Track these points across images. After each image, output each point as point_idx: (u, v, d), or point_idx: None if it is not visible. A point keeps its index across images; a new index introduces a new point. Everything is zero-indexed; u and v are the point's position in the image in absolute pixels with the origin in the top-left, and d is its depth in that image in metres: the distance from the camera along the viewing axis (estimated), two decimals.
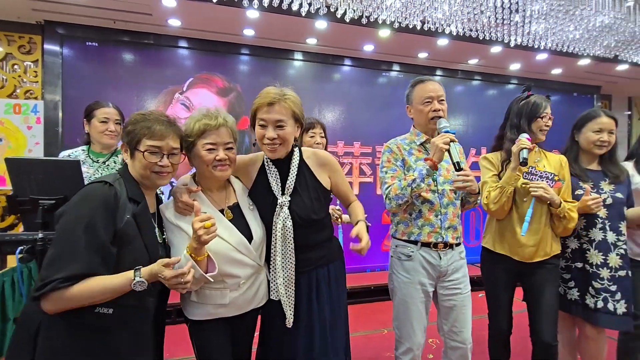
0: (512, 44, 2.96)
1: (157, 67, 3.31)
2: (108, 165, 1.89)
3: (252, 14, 2.84)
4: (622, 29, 2.78)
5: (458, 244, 1.66)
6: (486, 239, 1.83)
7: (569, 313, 1.81)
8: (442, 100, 1.65)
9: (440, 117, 1.61)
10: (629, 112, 5.64)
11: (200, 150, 1.23)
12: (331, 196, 1.51)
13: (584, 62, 3.92)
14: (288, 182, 1.36)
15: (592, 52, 3.17)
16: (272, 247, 1.34)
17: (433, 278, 1.63)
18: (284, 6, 2.41)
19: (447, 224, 1.61)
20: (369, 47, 3.61)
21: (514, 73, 4.47)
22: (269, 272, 1.36)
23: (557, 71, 4.36)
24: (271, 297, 1.36)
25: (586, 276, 1.72)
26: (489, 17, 2.71)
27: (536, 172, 1.65)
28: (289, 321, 1.33)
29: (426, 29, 2.71)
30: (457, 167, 1.45)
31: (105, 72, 3.18)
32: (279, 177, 1.38)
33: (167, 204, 1.28)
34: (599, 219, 1.72)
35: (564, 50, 3.12)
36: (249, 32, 3.25)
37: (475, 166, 2.96)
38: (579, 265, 1.75)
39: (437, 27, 2.71)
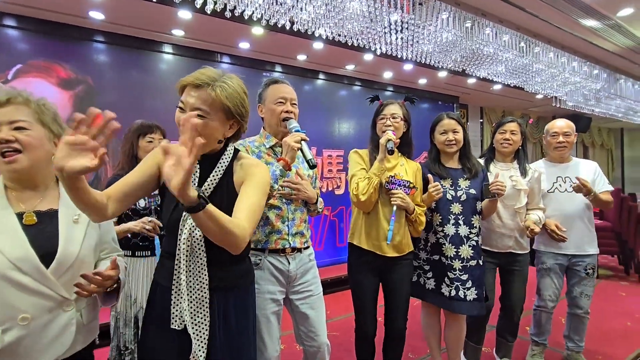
0: (378, 52, 3.14)
1: None
2: None
3: None
4: (463, 46, 3.18)
5: (306, 248, 1.63)
6: (353, 236, 1.86)
7: (427, 301, 1.95)
8: (295, 104, 1.63)
9: (290, 119, 1.57)
10: (481, 120, 6.66)
11: None
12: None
13: (442, 74, 4.45)
14: (207, 183, 1.08)
15: (444, 65, 3.57)
16: (175, 261, 1.06)
17: (283, 285, 1.56)
18: None
19: (294, 229, 1.57)
20: (244, 45, 3.46)
21: (388, 81, 4.84)
22: (172, 293, 1.06)
23: (423, 81, 4.86)
24: (172, 326, 1.06)
25: (442, 268, 1.86)
26: (353, 24, 2.81)
27: (396, 180, 1.76)
28: (197, 358, 1.04)
29: (295, 30, 2.68)
30: (311, 164, 1.41)
31: None
32: (198, 175, 1.10)
33: None
34: (452, 215, 1.88)
35: (422, 62, 3.45)
36: (96, 15, 2.79)
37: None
38: (436, 257, 1.89)
39: (306, 29, 2.70)
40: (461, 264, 1.85)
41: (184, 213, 1.05)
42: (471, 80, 4.81)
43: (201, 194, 0.86)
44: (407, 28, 2.89)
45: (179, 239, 1.06)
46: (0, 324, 0.92)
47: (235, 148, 1.19)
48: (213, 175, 1.10)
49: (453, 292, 1.82)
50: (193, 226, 1.05)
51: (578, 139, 8.72)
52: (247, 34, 3.21)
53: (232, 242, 0.97)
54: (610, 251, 4.65)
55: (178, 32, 3.16)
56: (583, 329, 2.27)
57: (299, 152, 1.45)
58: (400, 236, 1.78)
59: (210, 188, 1.09)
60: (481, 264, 1.90)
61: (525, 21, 3.48)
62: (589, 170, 2.23)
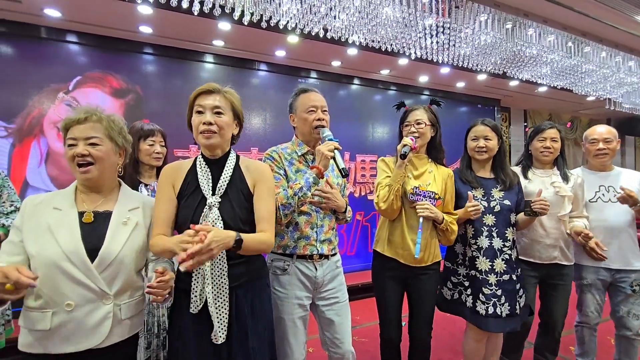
0: (413, 56, 3.10)
1: (37, 63, 2.91)
2: None
3: (144, 9, 2.62)
4: (502, 48, 3.06)
5: (334, 255, 1.65)
6: (378, 243, 1.85)
7: (468, 321, 1.85)
8: (325, 110, 1.66)
9: (323, 127, 1.60)
10: (525, 124, 6.32)
11: (64, 146, 1.16)
12: None
13: (481, 77, 4.29)
14: (220, 182, 1.27)
15: (484, 67, 3.45)
16: None
17: (310, 290, 1.59)
18: (174, 3, 2.24)
19: (322, 236, 1.60)
20: (280, 53, 3.56)
21: (424, 85, 4.75)
22: (192, 284, 1.20)
23: (461, 84, 4.71)
24: (190, 310, 1.21)
25: (477, 283, 1.79)
26: (387, 30, 2.80)
27: (420, 192, 1.73)
28: (217, 336, 1.19)
29: (329, 37, 2.72)
30: (343, 174, 1.45)
31: None
32: (210, 176, 1.28)
33: None
34: (485, 227, 1.81)
35: (460, 65, 3.35)
36: (145, 30, 3.00)
37: None
38: (473, 273, 1.81)
39: (339, 36, 2.74)
40: (496, 279, 1.77)
41: (205, 209, 1.22)
42: (513, 83, 4.59)
43: (236, 237, 1.13)
44: (442, 32, 2.84)
45: None
46: (51, 307, 1.05)
47: (236, 153, 1.38)
48: (225, 174, 1.29)
49: (491, 310, 1.74)
50: (215, 219, 1.20)
51: (637, 144, 8.01)
52: (282, 43, 3.31)
53: (264, 250, 1.29)
54: None
55: (218, 43, 3.31)
56: (635, 352, 2.08)
57: (332, 161, 1.48)
58: (428, 247, 1.75)
59: (223, 186, 1.27)
60: (514, 278, 1.81)
61: (573, 20, 3.28)
62: (634, 179, 2.07)
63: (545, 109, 6.35)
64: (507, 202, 1.83)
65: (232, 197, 1.27)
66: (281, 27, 2.55)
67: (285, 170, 1.60)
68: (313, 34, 2.69)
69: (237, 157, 1.36)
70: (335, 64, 3.88)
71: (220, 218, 1.21)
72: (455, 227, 1.77)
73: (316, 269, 1.58)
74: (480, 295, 1.77)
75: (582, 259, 2.11)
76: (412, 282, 1.79)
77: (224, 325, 1.20)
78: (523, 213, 1.83)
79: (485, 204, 1.83)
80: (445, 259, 1.97)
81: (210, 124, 1.24)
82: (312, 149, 1.64)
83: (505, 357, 2.15)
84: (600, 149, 2.10)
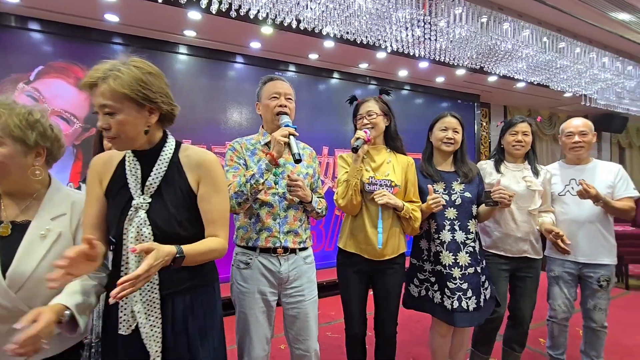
0: (389, 49, 3.07)
1: None
2: None
3: None
4: (478, 42, 3.05)
5: (303, 249, 1.60)
6: (341, 239, 1.82)
7: (436, 317, 1.83)
8: (290, 99, 1.62)
9: (285, 114, 1.57)
10: (504, 120, 6.38)
11: None
12: None
13: (459, 71, 4.29)
14: (150, 179, 1.05)
15: (460, 62, 3.44)
16: (122, 263, 1.04)
17: (274, 286, 1.55)
18: None
19: (286, 228, 1.54)
20: (255, 44, 3.48)
21: (404, 80, 4.73)
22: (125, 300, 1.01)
23: (440, 79, 4.72)
24: (119, 332, 1.02)
25: (442, 278, 1.77)
26: (360, 22, 2.76)
27: (376, 181, 1.70)
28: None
29: (302, 28, 2.66)
30: (296, 159, 1.38)
31: None
32: (140, 172, 1.06)
33: None
34: (447, 221, 1.79)
35: (437, 59, 3.34)
36: (111, 18, 2.88)
37: None
38: (438, 268, 1.79)
39: (313, 27, 2.68)
40: (460, 272, 1.76)
41: (129, 212, 1.02)
42: (492, 78, 4.61)
43: (177, 255, 0.95)
44: (417, 25, 2.81)
45: (124, 238, 1.02)
46: None
47: (176, 140, 1.15)
48: (156, 170, 1.06)
49: (456, 304, 1.72)
50: (140, 224, 1.01)
51: (613, 140, 8.22)
52: (257, 34, 3.23)
53: (215, 257, 1.11)
54: None
55: (190, 33, 3.22)
56: (600, 344, 2.11)
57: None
58: (391, 238, 1.72)
59: (155, 183, 1.05)
60: (479, 271, 1.81)
61: (547, 15, 3.30)
62: (610, 173, 2.05)
63: (524, 105, 6.43)
64: (467, 194, 1.82)
65: (166, 196, 1.05)
66: (252, 16, 2.48)
67: (245, 160, 1.56)
68: (285, 24, 2.63)
69: (177, 147, 1.13)
70: (313, 57, 3.82)
71: (147, 223, 1.01)
72: (418, 215, 1.73)
73: (280, 264, 1.53)
74: (446, 289, 1.76)
75: (551, 251, 2.13)
76: (377, 277, 1.77)
77: (158, 347, 1.02)
78: (484, 204, 1.82)
79: (447, 197, 1.81)
80: (411, 255, 1.95)
81: (105, 129, 0.98)
82: None
83: (476, 350, 2.15)
84: (576, 142, 2.09)
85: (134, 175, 1.06)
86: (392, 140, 1.83)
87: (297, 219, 1.58)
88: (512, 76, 3.98)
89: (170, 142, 1.12)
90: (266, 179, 1.41)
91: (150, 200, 1.04)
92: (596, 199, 1.88)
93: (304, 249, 1.61)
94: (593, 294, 2.04)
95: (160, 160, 1.08)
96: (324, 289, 3.66)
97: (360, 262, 1.73)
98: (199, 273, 1.12)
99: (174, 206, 1.05)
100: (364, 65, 4.13)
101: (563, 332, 2.15)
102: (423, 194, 1.81)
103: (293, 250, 1.56)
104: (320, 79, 4.31)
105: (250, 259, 1.53)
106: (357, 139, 1.63)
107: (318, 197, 1.67)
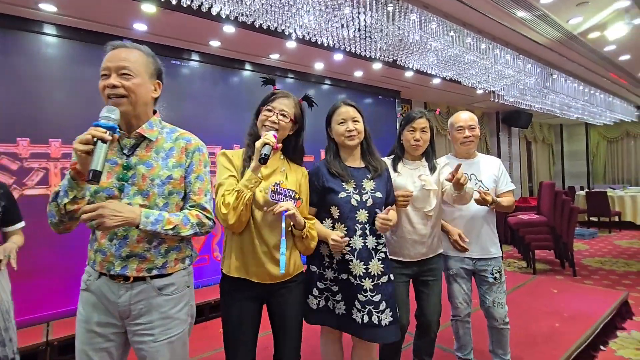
0: (293, 36, 2.80)
1: None
2: None
3: None
4: (385, 32, 2.92)
5: (158, 276, 1.21)
6: (224, 263, 1.47)
7: (339, 329, 1.62)
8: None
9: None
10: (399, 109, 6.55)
11: None
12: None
13: (376, 65, 4.20)
14: None
15: (372, 54, 3.30)
16: None
17: (116, 317, 1.18)
18: None
19: (124, 252, 1.15)
20: (141, 27, 2.98)
21: (322, 73, 4.52)
22: None
23: (358, 73, 4.60)
24: None
25: (352, 289, 1.54)
26: (261, 4, 2.45)
27: (282, 190, 1.38)
28: None
29: (195, 8, 2.28)
30: (90, 176, 0.98)
31: None
32: None
33: None
34: (358, 225, 1.56)
35: (348, 50, 3.15)
36: (47, 7, 2.58)
37: None
38: (344, 277, 1.56)
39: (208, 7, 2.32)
40: (372, 283, 1.54)
41: None
42: (408, 74, 4.61)
43: None
44: (319, 10, 2.57)
45: None
46: None
47: None
48: None
49: (366, 318, 1.51)
50: None
51: (520, 135, 8.97)
52: (139, 13, 2.74)
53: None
54: (547, 245, 4.64)
55: (140, 27, 2.86)
56: (505, 342, 2.05)
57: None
58: (292, 257, 1.46)
59: None
60: (392, 278, 1.62)
61: (453, 8, 3.29)
62: (493, 168, 2.06)
63: (443, 102, 6.66)
64: (378, 194, 1.63)
65: None
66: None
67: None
68: (174, 3, 2.22)
69: None
70: (215, 44, 3.41)
71: None
72: (314, 233, 1.50)
73: (119, 294, 1.16)
74: (356, 302, 1.53)
75: (449, 249, 2.05)
76: (271, 301, 1.47)
77: None
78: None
79: (358, 197, 1.59)
80: (309, 262, 1.69)
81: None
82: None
83: None
84: (466, 137, 2.04)
85: None
86: (293, 152, 1.57)
87: (143, 240, 1.18)
88: (425, 71, 3.97)
89: None
90: (78, 196, 1.07)
91: None
92: (492, 202, 1.85)
93: (162, 276, 1.22)
94: (490, 288, 1.99)
95: None
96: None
97: (250, 287, 1.42)
98: None
99: None
100: (275, 56, 3.82)
101: (467, 330, 2.10)
102: (332, 195, 1.58)
103: (141, 278, 1.19)
104: (227, 70, 3.90)
105: (89, 280, 1.19)
106: (265, 144, 1.31)
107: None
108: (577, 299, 3.26)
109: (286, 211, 1.33)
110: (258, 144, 1.33)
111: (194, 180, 1.26)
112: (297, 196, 1.42)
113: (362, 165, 1.68)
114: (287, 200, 1.38)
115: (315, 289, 1.63)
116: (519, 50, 4.35)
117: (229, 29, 3.04)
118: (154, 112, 1.27)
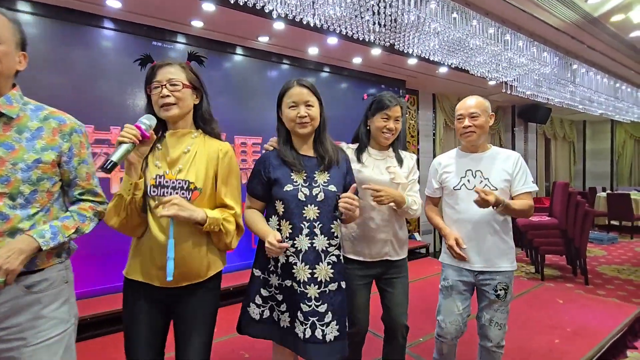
0: (274, 15, 2.56)
1: None
2: None
3: None
4: (375, 10, 2.64)
5: (23, 273, 1.04)
6: (127, 265, 1.29)
7: (282, 345, 1.41)
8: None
9: None
10: (434, 109, 6.21)
11: None
12: None
13: (375, 51, 3.91)
14: None
15: (366, 36, 3.02)
16: None
17: None
18: None
19: None
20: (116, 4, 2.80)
21: (317, 59, 4.25)
22: None
23: (357, 60, 4.32)
24: None
25: (295, 297, 1.34)
26: None
27: (166, 182, 1.19)
28: None
29: None
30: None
31: None
32: None
33: None
34: (305, 223, 1.35)
35: (338, 32, 2.89)
36: None
37: None
38: (288, 283, 1.36)
39: None
40: (318, 290, 1.33)
41: None
42: (412, 61, 4.30)
43: None
44: None
45: None
46: None
47: None
48: None
49: (308, 332, 1.30)
50: None
51: (539, 131, 8.45)
52: None
53: None
54: (557, 250, 4.29)
55: (115, 4, 2.72)
56: None
57: None
58: (192, 261, 1.23)
59: None
60: (343, 287, 1.40)
61: None
62: (507, 164, 1.71)
63: (453, 93, 6.29)
64: (332, 187, 1.41)
65: None
66: None
67: None
68: None
69: None
70: (197, 24, 3.20)
71: None
72: (231, 227, 1.27)
73: None
74: (299, 313, 1.33)
75: (445, 257, 1.78)
76: (177, 309, 1.27)
77: None
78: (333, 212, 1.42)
79: (307, 191, 1.38)
80: (254, 265, 1.49)
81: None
82: None
83: None
84: (465, 127, 1.71)
85: None
86: (203, 122, 1.33)
87: (4, 233, 1.00)
88: (427, 57, 3.66)
89: None
90: None
91: None
92: (496, 204, 1.53)
93: (30, 272, 1.05)
94: (489, 305, 1.69)
95: None
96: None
97: (151, 292, 1.24)
98: None
99: None
100: (264, 39, 3.59)
101: (452, 349, 1.82)
102: (280, 186, 1.38)
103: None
104: (223, 55, 3.69)
105: None
106: (120, 143, 1.09)
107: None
108: (585, 312, 2.94)
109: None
110: (119, 138, 1.10)
111: (78, 165, 1.13)
112: (191, 187, 1.20)
113: (315, 154, 1.47)
114: (175, 192, 1.18)
115: (258, 296, 1.43)
116: (533, 37, 3.96)
117: (208, 6, 2.82)
118: (13, 85, 1.09)
